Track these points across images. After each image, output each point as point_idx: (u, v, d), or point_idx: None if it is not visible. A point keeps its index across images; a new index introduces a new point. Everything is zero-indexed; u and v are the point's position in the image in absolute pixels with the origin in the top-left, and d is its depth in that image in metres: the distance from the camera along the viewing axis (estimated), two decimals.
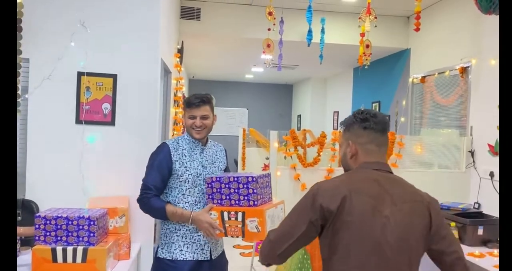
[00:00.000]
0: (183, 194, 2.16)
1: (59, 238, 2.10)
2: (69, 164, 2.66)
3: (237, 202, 2.08)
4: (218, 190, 2.10)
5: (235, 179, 2.08)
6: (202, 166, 2.20)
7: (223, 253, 2.34)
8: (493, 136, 3.44)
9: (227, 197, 2.09)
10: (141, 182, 2.18)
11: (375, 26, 3.69)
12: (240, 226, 2.05)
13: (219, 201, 2.10)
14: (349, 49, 5.39)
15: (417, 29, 3.08)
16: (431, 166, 3.86)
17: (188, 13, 4.75)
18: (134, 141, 2.74)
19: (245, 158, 6.39)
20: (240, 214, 2.06)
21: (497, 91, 3.41)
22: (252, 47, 5.59)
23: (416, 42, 5.15)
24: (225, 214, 2.07)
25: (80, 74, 2.68)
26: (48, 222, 2.10)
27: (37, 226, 2.08)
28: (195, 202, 2.16)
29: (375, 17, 3.66)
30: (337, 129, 7.79)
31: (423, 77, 4.81)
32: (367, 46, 3.93)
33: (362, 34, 3.80)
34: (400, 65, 5.54)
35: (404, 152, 3.67)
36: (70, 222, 2.10)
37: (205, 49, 6.23)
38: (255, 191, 2.07)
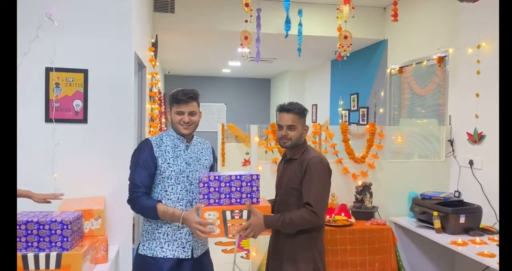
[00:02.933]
0: (166, 191, 2.10)
1: (30, 244, 1.98)
2: (40, 164, 2.53)
3: (238, 200, 2.06)
4: (217, 189, 2.04)
5: (238, 177, 2.06)
6: (186, 163, 2.14)
7: (207, 252, 2.27)
8: (472, 125, 3.46)
9: (227, 196, 2.05)
10: (128, 182, 2.08)
11: (353, 17, 3.64)
12: (244, 223, 2.05)
13: (216, 201, 2.04)
14: (327, 41, 5.36)
15: (395, 15, 3.06)
16: (411, 156, 3.87)
17: (162, 6, 4.60)
18: (108, 138, 2.62)
19: (224, 154, 6.31)
20: (245, 212, 2.06)
21: (475, 80, 3.43)
22: (229, 40, 5.49)
23: (393, 33, 5.15)
24: (228, 213, 2.03)
25: (48, 70, 2.54)
26: (18, 227, 1.97)
27: None
28: (178, 199, 2.10)
29: (352, 8, 3.62)
30: (316, 122, 7.79)
31: (401, 67, 4.82)
32: (345, 37, 3.88)
33: (340, 28, 3.76)
34: (377, 56, 5.54)
35: (384, 143, 3.66)
36: (41, 227, 1.98)
37: (180, 43, 6.08)
38: (258, 188, 2.09)
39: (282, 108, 2.29)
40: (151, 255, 2.08)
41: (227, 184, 2.05)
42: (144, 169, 2.06)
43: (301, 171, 2.18)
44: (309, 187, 2.13)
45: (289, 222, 2.08)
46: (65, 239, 2.00)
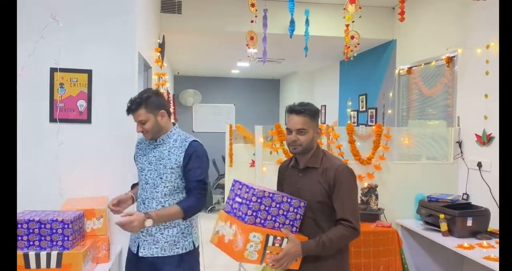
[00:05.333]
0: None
1: (31, 243, 2.00)
2: (44, 164, 2.56)
3: (281, 225, 1.85)
4: (267, 208, 1.82)
5: (288, 200, 1.86)
6: (149, 162, 2.19)
7: (165, 259, 2.12)
8: (481, 126, 3.40)
9: (273, 218, 1.83)
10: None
11: (360, 17, 3.61)
12: (281, 252, 1.83)
13: (261, 221, 1.81)
14: (335, 41, 5.31)
15: (402, 13, 3.02)
16: (419, 157, 3.81)
17: (169, 7, 4.61)
18: (112, 138, 2.63)
19: (232, 154, 6.30)
20: (285, 241, 1.84)
21: (484, 81, 3.37)
22: (236, 41, 5.48)
23: (401, 33, 5.09)
24: (271, 238, 1.80)
25: (53, 70, 2.57)
26: (19, 226, 1.99)
27: None
28: (138, 196, 2.23)
29: (360, 7, 3.58)
30: (324, 123, 7.74)
31: (409, 68, 4.76)
32: (352, 37, 3.85)
33: (347, 26, 3.73)
34: (386, 57, 5.48)
35: (391, 144, 3.61)
36: (42, 226, 2.00)
37: (188, 44, 6.10)
38: (301, 216, 1.91)
39: (292, 110, 2.02)
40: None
41: (277, 205, 1.83)
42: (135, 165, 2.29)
43: (328, 181, 1.94)
44: (342, 200, 1.91)
45: (329, 244, 1.86)
46: (66, 238, 2.01)
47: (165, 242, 2.12)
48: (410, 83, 4.81)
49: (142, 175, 2.20)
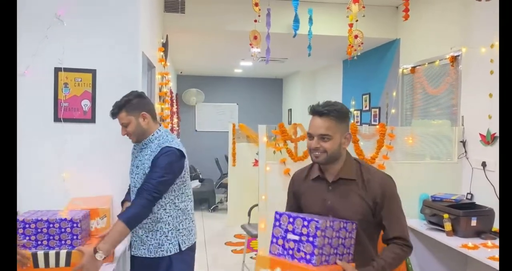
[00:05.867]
0: None
1: (39, 242, 2.01)
2: (49, 163, 2.56)
3: (340, 257, 1.55)
4: (330, 240, 1.51)
5: (344, 225, 1.57)
6: (136, 166, 2.21)
7: (153, 260, 2.17)
8: (485, 125, 3.39)
9: (335, 251, 1.53)
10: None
11: (363, 16, 3.60)
12: None
13: (327, 258, 1.50)
14: (338, 40, 5.30)
15: (406, 10, 3.02)
16: (423, 157, 3.81)
17: (172, 6, 4.62)
18: (116, 138, 2.62)
19: (235, 154, 6.32)
20: None
21: (488, 80, 3.36)
22: (240, 40, 5.48)
23: (405, 32, 5.08)
24: None
25: (57, 70, 2.57)
26: (27, 225, 2.01)
27: None
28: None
29: (363, 7, 3.57)
30: None
31: (413, 67, 4.75)
32: (356, 36, 3.84)
33: (351, 25, 3.72)
34: (389, 56, 5.48)
35: (395, 144, 3.61)
36: (51, 225, 2.01)
37: (191, 43, 6.10)
38: (354, 241, 1.65)
39: (314, 111, 1.75)
40: None
41: (337, 234, 1.54)
42: None
43: (373, 197, 1.71)
44: (393, 217, 1.72)
45: (388, 267, 1.65)
46: (74, 237, 2.02)
47: (150, 244, 2.16)
48: (414, 83, 4.80)
49: (131, 178, 2.24)
